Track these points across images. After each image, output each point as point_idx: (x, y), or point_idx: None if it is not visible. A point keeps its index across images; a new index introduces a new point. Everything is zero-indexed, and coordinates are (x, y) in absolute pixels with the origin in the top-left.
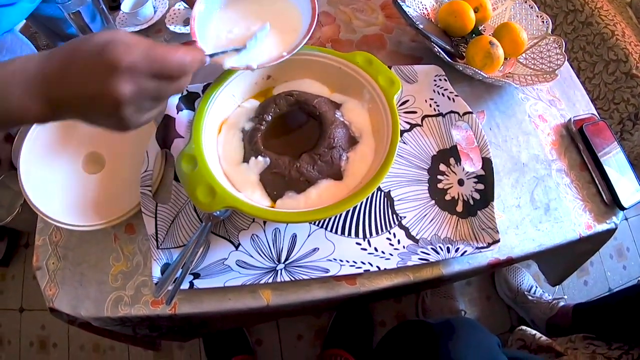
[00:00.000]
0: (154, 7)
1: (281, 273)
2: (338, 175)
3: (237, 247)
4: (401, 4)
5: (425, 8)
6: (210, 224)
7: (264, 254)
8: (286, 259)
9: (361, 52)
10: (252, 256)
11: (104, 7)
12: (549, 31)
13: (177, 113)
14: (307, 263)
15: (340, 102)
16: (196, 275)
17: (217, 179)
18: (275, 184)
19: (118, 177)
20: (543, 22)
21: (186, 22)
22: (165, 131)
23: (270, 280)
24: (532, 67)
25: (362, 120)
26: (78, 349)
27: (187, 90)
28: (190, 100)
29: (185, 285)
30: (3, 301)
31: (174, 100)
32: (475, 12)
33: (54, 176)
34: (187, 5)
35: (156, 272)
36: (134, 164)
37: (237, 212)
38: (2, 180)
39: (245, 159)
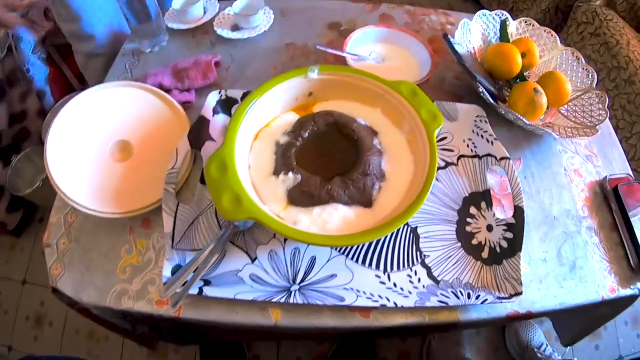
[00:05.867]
0: (204, 9)
1: (295, 294)
2: (368, 204)
3: (253, 261)
4: (450, 39)
5: (473, 47)
6: (229, 233)
7: (280, 272)
8: (302, 281)
9: (406, 82)
10: (267, 272)
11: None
12: (594, 85)
13: (213, 116)
14: (322, 288)
15: (379, 131)
16: (207, 282)
17: (244, 188)
18: (303, 202)
19: (143, 170)
20: (588, 75)
21: (234, 27)
22: (198, 132)
23: (282, 300)
24: (573, 119)
25: (399, 150)
26: (73, 332)
27: (226, 95)
28: (227, 105)
29: (194, 290)
30: (8, 270)
31: (211, 102)
32: (522, 57)
33: (80, 157)
34: (237, 11)
35: (167, 271)
36: (161, 159)
37: (259, 225)
38: (27, 153)
39: (276, 173)
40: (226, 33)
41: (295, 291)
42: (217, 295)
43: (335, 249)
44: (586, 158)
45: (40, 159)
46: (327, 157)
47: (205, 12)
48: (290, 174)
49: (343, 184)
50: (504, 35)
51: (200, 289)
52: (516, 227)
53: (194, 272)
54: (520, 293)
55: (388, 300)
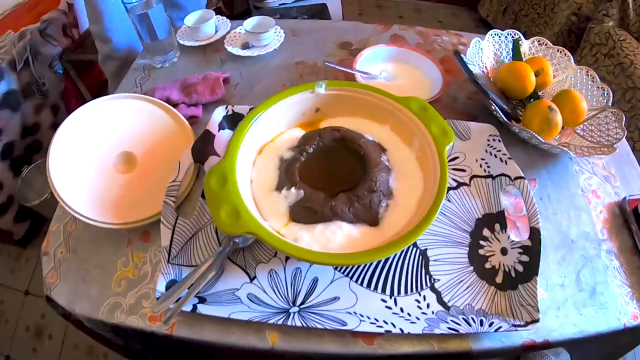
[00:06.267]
0: (216, 27)
1: (293, 316)
2: (374, 222)
3: (251, 280)
4: (462, 56)
5: (485, 66)
6: (228, 249)
7: (280, 293)
8: (302, 303)
9: (416, 98)
10: (266, 292)
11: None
12: (609, 103)
13: (218, 131)
14: (323, 311)
15: (387, 148)
16: (202, 300)
17: (244, 202)
18: (305, 218)
19: (146, 182)
20: (603, 93)
21: (244, 45)
22: (203, 146)
23: (279, 322)
24: (590, 139)
25: (408, 168)
26: (72, 346)
27: (232, 110)
28: (234, 121)
29: (187, 307)
30: (12, 280)
31: (217, 117)
32: (535, 75)
33: (83, 167)
34: (248, 29)
35: (161, 286)
36: (165, 172)
37: (259, 243)
38: (38, 165)
39: (278, 188)
40: (236, 51)
41: (294, 313)
42: (212, 314)
43: (339, 270)
44: (604, 179)
45: None
46: (333, 173)
47: (216, 31)
48: (293, 189)
49: (348, 200)
50: (516, 54)
51: (195, 306)
52: (532, 249)
53: (188, 288)
54: (537, 320)
55: (394, 326)
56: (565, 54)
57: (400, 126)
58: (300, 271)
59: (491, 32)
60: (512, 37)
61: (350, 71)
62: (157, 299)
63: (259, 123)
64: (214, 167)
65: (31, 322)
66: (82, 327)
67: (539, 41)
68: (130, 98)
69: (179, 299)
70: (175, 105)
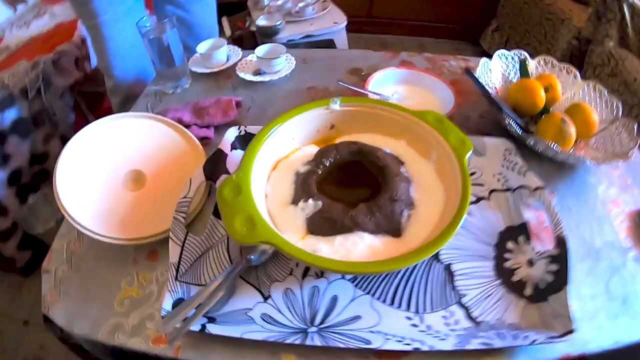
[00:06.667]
0: (228, 56)
1: (312, 336)
2: (396, 233)
3: (265, 299)
4: (473, 73)
5: (495, 86)
6: (241, 267)
7: (296, 313)
8: (321, 323)
9: (432, 111)
10: (281, 312)
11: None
12: (619, 115)
13: (231, 151)
14: (345, 330)
15: (405, 161)
16: (211, 320)
17: (259, 211)
18: (324, 230)
19: (155, 201)
20: (613, 106)
21: (256, 72)
22: (215, 164)
23: (297, 342)
24: (603, 151)
25: (427, 180)
26: None
27: (245, 131)
28: (246, 141)
29: (195, 327)
30: (12, 309)
31: (230, 137)
32: (545, 91)
33: (91, 183)
34: (260, 55)
35: (167, 304)
36: (174, 191)
37: (274, 261)
38: (46, 193)
39: (295, 202)
40: (248, 77)
41: (313, 333)
42: (223, 334)
43: (360, 287)
44: (622, 189)
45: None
46: (351, 185)
47: (228, 59)
48: (311, 200)
49: (369, 210)
50: (524, 73)
51: (204, 326)
52: (561, 258)
53: (197, 307)
54: (572, 331)
55: (423, 343)
56: (571, 71)
57: (417, 140)
58: (318, 290)
59: (498, 52)
60: (519, 57)
61: (362, 91)
62: (163, 317)
63: (274, 138)
64: (227, 178)
65: (29, 353)
66: (81, 353)
67: (544, 60)
68: (141, 117)
69: (186, 318)
70: (187, 126)
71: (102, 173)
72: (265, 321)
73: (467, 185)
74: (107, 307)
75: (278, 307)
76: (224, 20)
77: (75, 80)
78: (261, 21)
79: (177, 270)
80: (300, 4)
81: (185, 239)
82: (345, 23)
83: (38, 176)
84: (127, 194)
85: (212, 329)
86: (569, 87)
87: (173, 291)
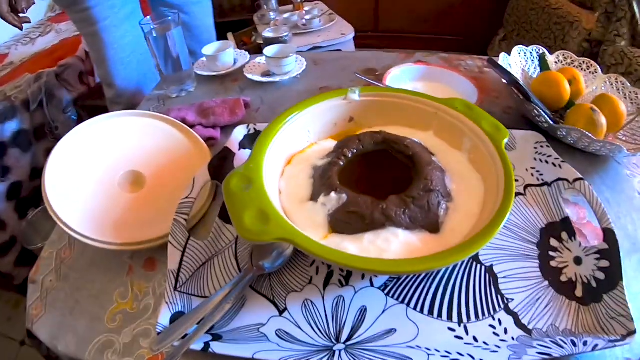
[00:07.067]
0: (235, 59)
1: (340, 355)
2: (434, 228)
3: (281, 313)
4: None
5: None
6: (251, 276)
7: (319, 328)
8: (348, 339)
9: (459, 99)
10: (300, 327)
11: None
12: None
13: (239, 150)
14: (378, 347)
15: (434, 153)
16: (216, 337)
17: (273, 205)
18: (351, 227)
19: (155, 203)
20: (638, 96)
21: (265, 74)
22: (221, 164)
23: None
24: (633, 142)
25: (462, 170)
26: None
27: (254, 129)
28: (255, 140)
29: (197, 346)
30: (9, 329)
31: (238, 136)
32: (569, 84)
33: (84, 185)
34: (269, 55)
35: (164, 318)
36: (176, 193)
37: (290, 268)
38: (46, 209)
39: (313, 197)
40: (257, 78)
41: (340, 351)
42: (230, 353)
43: (392, 296)
44: None
45: None
46: (378, 177)
47: (235, 62)
48: (333, 194)
49: (402, 202)
50: (544, 67)
51: (207, 344)
52: (610, 252)
53: (198, 323)
54: (634, 332)
55: (472, 358)
56: (591, 65)
57: (446, 129)
58: (343, 300)
59: (517, 48)
60: (537, 52)
61: (380, 85)
62: (159, 334)
63: (287, 130)
64: (235, 170)
65: None
66: None
67: (563, 55)
68: (140, 115)
69: (186, 335)
70: (191, 126)
71: (96, 173)
72: (281, 338)
73: (511, 172)
74: (97, 322)
75: (296, 321)
76: (229, 36)
77: (79, 94)
78: (268, 33)
79: (177, 279)
80: (307, 17)
81: (186, 243)
82: (352, 34)
83: (38, 190)
84: (123, 195)
85: (217, 347)
86: (590, 82)
87: (171, 303)
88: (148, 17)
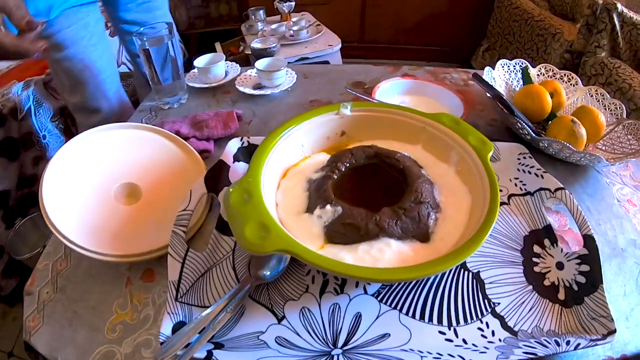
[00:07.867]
0: (226, 72)
1: (338, 359)
2: (425, 237)
3: (280, 321)
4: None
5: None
6: (249, 286)
7: (316, 334)
8: (345, 344)
9: (446, 113)
10: (299, 334)
11: (178, 58)
12: (624, 116)
13: (233, 162)
14: (373, 351)
15: (423, 165)
16: (218, 346)
17: (273, 217)
18: (346, 237)
19: (151, 215)
20: (617, 108)
21: (256, 86)
22: (216, 176)
23: None
24: (612, 152)
25: (450, 182)
26: None
27: (248, 142)
28: (250, 153)
29: (200, 354)
30: None
31: (232, 148)
32: (550, 97)
33: (81, 197)
34: (260, 68)
35: (166, 328)
36: (172, 205)
37: (286, 277)
38: (34, 218)
39: (309, 210)
40: (248, 90)
41: (338, 356)
42: None
43: (385, 302)
44: (635, 188)
45: (45, 226)
46: (370, 190)
47: (226, 75)
48: (329, 206)
49: (394, 214)
50: (527, 81)
51: (210, 353)
52: (591, 257)
53: (200, 332)
54: (614, 331)
55: (462, 359)
56: (572, 77)
57: (433, 143)
58: (339, 307)
59: (500, 62)
60: (520, 65)
61: (370, 100)
62: (161, 344)
63: (283, 144)
64: (234, 184)
65: None
66: None
67: (545, 68)
68: (134, 128)
69: (189, 344)
70: (185, 139)
71: (92, 185)
72: (281, 345)
73: (495, 184)
74: (97, 333)
75: (295, 328)
76: (217, 45)
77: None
78: (256, 44)
79: (178, 290)
80: (295, 28)
81: (185, 254)
82: (339, 46)
83: (26, 200)
84: (120, 207)
85: (220, 355)
86: (571, 94)
87: (173, 313)
88: (142, 28)
